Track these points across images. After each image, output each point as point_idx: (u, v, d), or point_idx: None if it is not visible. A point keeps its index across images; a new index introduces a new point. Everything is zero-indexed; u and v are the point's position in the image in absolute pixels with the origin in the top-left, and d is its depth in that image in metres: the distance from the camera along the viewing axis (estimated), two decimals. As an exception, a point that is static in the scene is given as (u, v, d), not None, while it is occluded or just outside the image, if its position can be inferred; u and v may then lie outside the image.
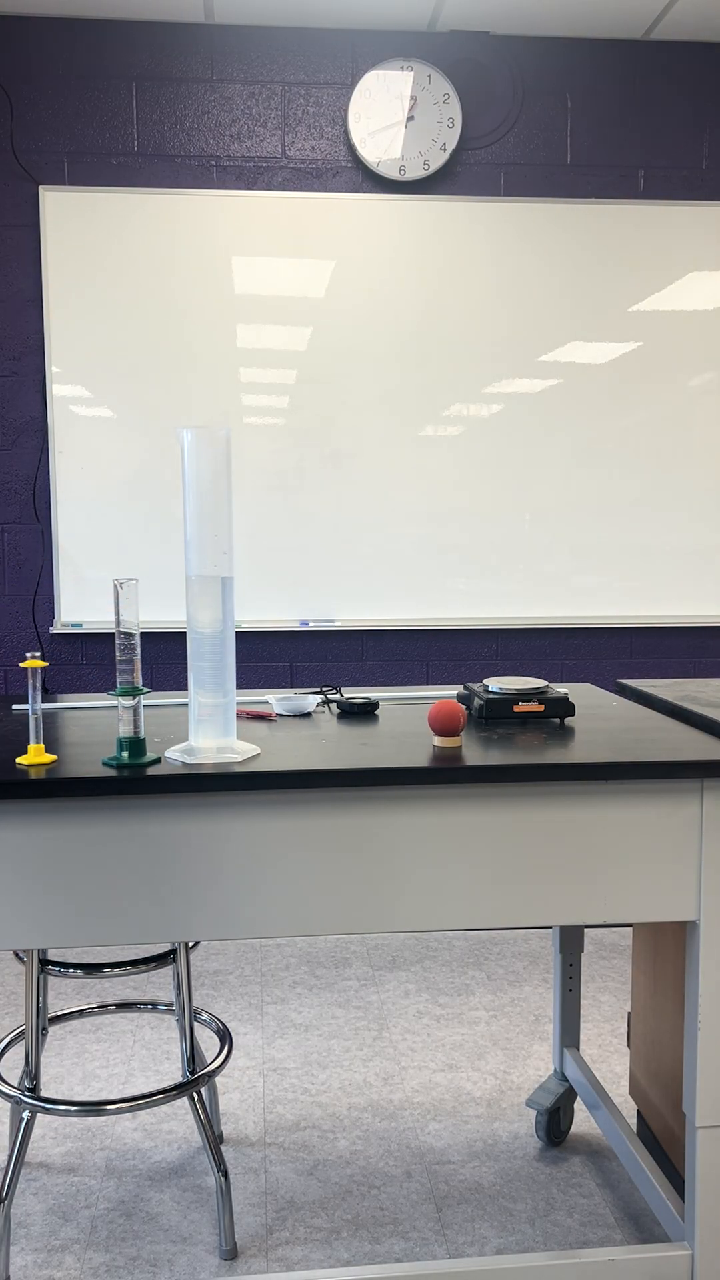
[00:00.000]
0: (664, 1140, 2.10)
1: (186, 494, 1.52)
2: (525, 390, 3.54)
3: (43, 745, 1.59)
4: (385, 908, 1.56)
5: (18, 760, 1.53)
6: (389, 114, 3.42)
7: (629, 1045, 2.30)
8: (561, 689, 2.04)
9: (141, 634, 3.44)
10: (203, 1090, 2.19)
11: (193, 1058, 2.09)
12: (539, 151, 3.53)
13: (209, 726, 1.57)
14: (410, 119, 3.43)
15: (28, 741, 1.67)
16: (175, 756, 1.56)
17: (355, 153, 3.45)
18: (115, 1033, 2.85)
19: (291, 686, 3.58)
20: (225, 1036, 2.19)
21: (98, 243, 3.37)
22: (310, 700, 1.91)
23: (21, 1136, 1.96)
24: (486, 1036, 2.81)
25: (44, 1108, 1.95)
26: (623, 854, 1.59)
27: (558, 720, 1.84)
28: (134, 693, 1.52)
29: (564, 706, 1.81)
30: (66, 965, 2.17)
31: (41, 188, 3.35)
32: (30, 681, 1.54)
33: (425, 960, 3.30)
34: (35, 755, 1.51)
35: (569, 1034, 2.34)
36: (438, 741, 1.62)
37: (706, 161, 3.58)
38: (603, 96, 3.53)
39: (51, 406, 3.41)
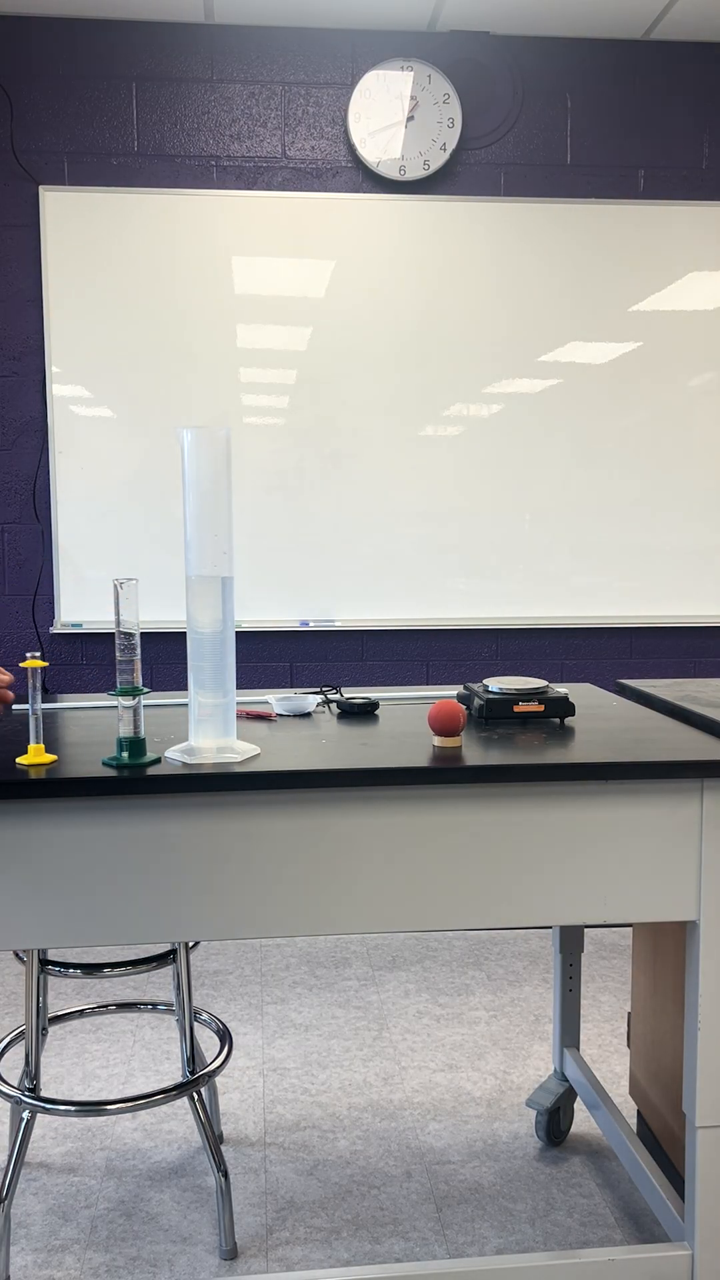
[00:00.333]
0: (664, 1140, 2.10)
1: (186, 494, 1.52)
2: (525, 390, 3.54)
3: (43, 745, 1.59)
4: (385, 908, 1.56)
5: (18, 760, 1.53)
6: (389, 114, 3.42)
7: (629, 1045, 2.30)
8: (561, 689, 2.04)
9: (141, 634, 3.44)
10: (203, 1090, 2.19)
11: (193, 1058, 2.09)
12: (539, 151, 3.53)
13: (209, 726, 1.57)
14: (410, 119, 3.43)
15: (28, 741, 1.67)
16: (175, 756, 1.56)
17: (355, 153, 3.45)
18: (115, 1033, 2.85)
19: (291, 686, 3.58)
20: (225, 1036, 2.19)
21: (98, 243, 3.37)
22: (310, 700, 1.91)
23: (21, 1136, 1.96)
24: (486, 1036, 2.81)
25: (44, 1108, 1.95)
26: (623, 854, 1.59)
27: (558, 720, 1.84)
28: (134, 693, 1.52)
29: (564, 706, 1.81)
30: (66, 965, 2.17)
31: (41, 188, 3.35)
32: (30, 681, 1.54)
33: (425, 960, 3.30)
34: (35, 755, 1.51)
35: (569, 1034, 2.34)
36: (438, 741, 1.62)
37: (706, 161, 3.58)
38: (603, 96, 3.53)
39: (51, 406, 3.41)
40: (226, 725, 1.58)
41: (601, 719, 1.86)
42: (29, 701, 1.55)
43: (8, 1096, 1.97)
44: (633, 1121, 2.40)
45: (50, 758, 1.53)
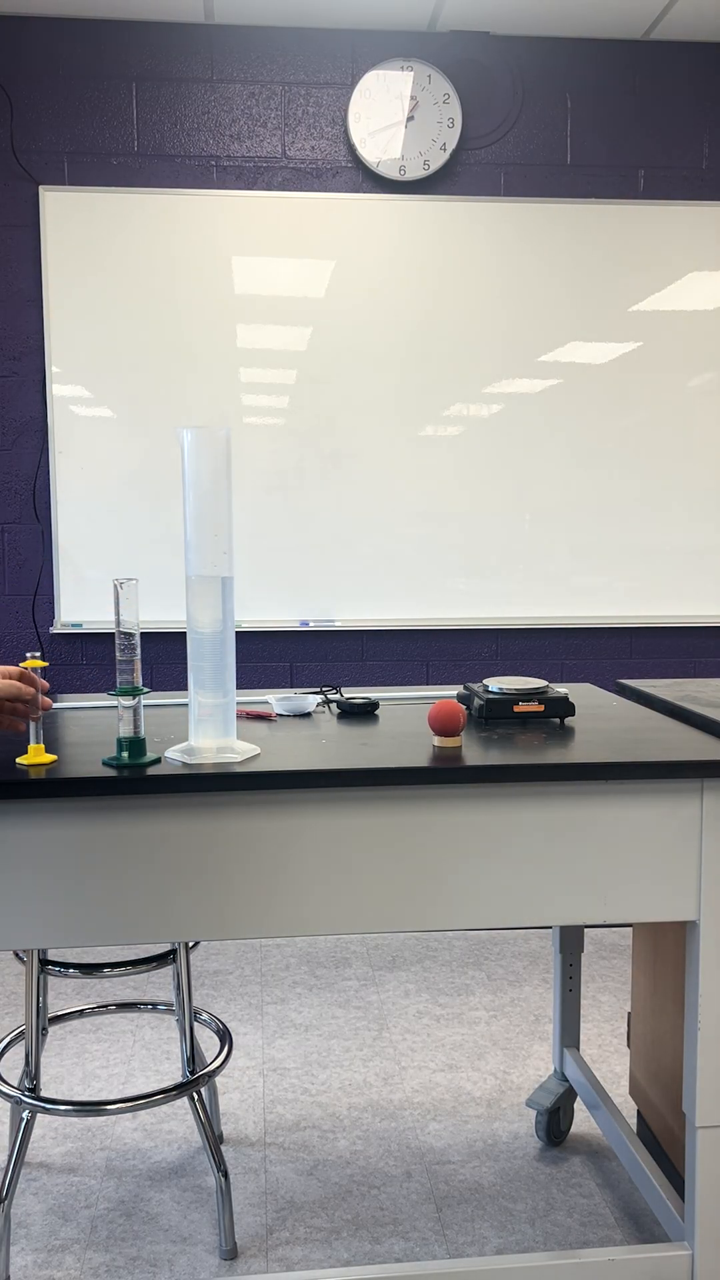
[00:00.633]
0: (664, 1140, 2.10)
1: (186, 494, 1.52)
2: (525, 390, 3.54)
3: (43, 745, 1.59)
4: (385, 908, 1.56)
5: (18, 760, 1.53)
6: (389, 114, 3.42)
7: (629, 1045, 2.30)
8: (561, 689, 2.04)
9: (141, 634, 3.44)
10: (203, 1090, 2.19)
11: (193, 1058, 2.09)
12: (539, 151, 3.53)
13: (209, 726, 1.57)
14: (410, 119, 3.43)
15: (28, 741, 1.67)
16: (175, 756, 1.56)
17: (355, 153, 3.45)
18: (115, 1033, 2.85)
19: (291, 686, 3.58)
20: (225, 1036, 2.19)
21: (98, 243, 3.37)
22: (310, 700, 1.91)
23: (21, 1136, 1.96)
24: (486, 1036, 2.81)
25: (44, 1108, 1.95)
26: (623, 854, 1.59)
27: (558, 720, 1.84)
28: (134, 693, 1.52)
29: (564, 706, 1.81)
30: (66, 965, 2.17)
31: (41, 188, 3.35)
32: (37, 674, 1.55)
33: (425, 960, 3.30)
34: (35, 755, 1.52)
35: (569, 1034, 2.34)
36: (438, 741, 1.62)
37: (706, 161, 3.58)
38: (603, 96, 3.53)
39: (51, 406, 3.41)
40: (226, 725, 1.58)
41: (601, 719, 1.86)
42: (33, 701, 1.56)
43: (8, 1096, 1.97)
44: (633, 1121, 2.40)
45: (50, 758, 1.53)
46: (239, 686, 3.55)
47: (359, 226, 3.44)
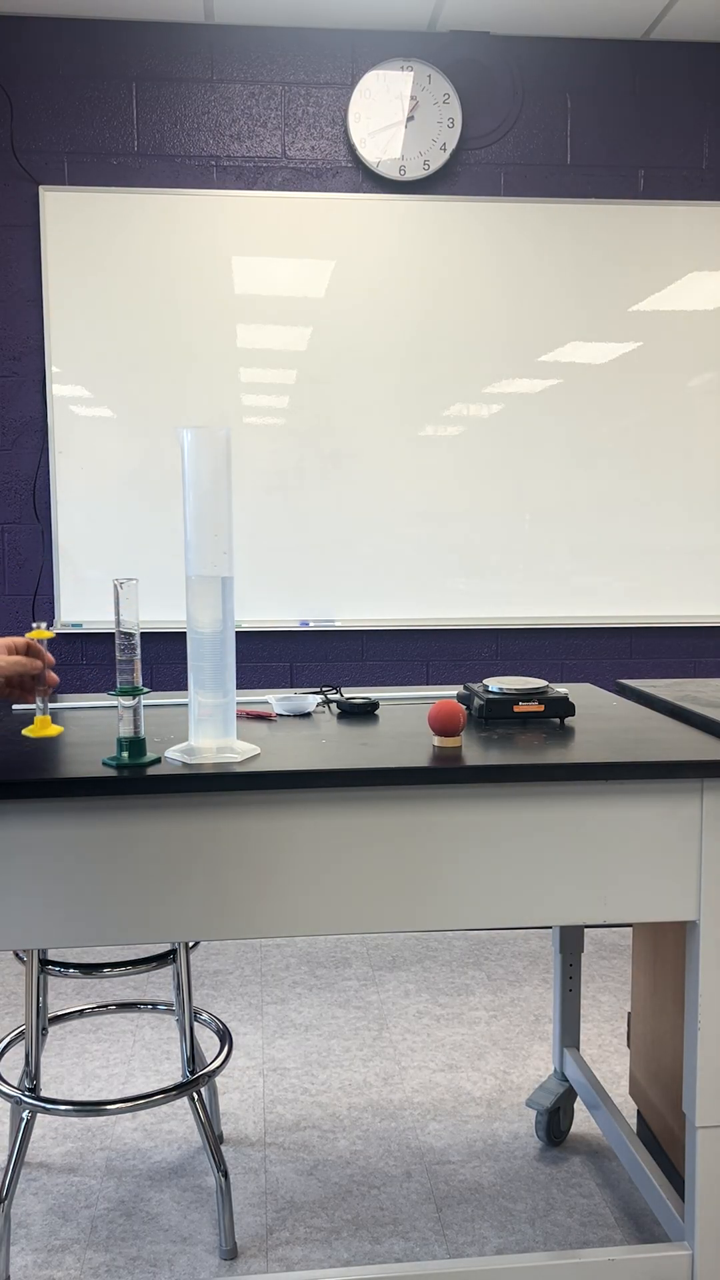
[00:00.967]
0: (664, 1140, 2.10)
1: (186, 494, 1.52)
2: (525, 390, 3.54)
3: (49, 718, 1.59)
4: (385, 908, 1.56)
5: (24, 731, 1.54)
6: (389, 114, 3.42)
7: (629, 1045, 2.30)
8: (561, 689, 2.04)
9: (141, 634, 3.43)
10: (203, 1090, 2.19)
11: (193, 1058, 2.09)
12: (539, 151, 3.53)
13: (209, 726, 1.57)
14: (410, 119, 3.43)
15: (28, 741, 1.67)
16: (175, 756, 1.56)
17: (355, 153, 3.45)
18: (115, 1033, 2.85)
19: (291, 686, 3.58)
20: (225, 1036, 2.19)
21: (98, 243, 3.37)
22: (310, 700, 1.91)
23: (21, 1136, 1.96)
24: (486, 1036, 2.81)
25: (44, 1108, 1.95)
26: (623, 854, 1.59)
27: (558, 720, 1.84)
28: (134, 693, 1.52)
29: (564, 706, 1.81)
30: (66, 965, 2.17)
31: (41, 188, 3.35)
32: (43, 645, 1.56)
33: (425, 960, 3.30)
34: (41, 728, 1.53)
35: (569, 1034, 2.34)
36: (438, 741, 1.62)
37: (706, 161, 3.58)
38: (603, 96, 3.53)
39: (51, 406, 3.41)
40: (226, 725, 1.58)
41: (601, 719, 1.86)
42: (40, 673, 1.56)
43: (8, 1096, 1.97)
44: (633, 1121, 2.40)
45: (56, 729, 1.56)
46: (239, 686, 3.55)
47: (359, 226, 3.44)
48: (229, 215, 3.41)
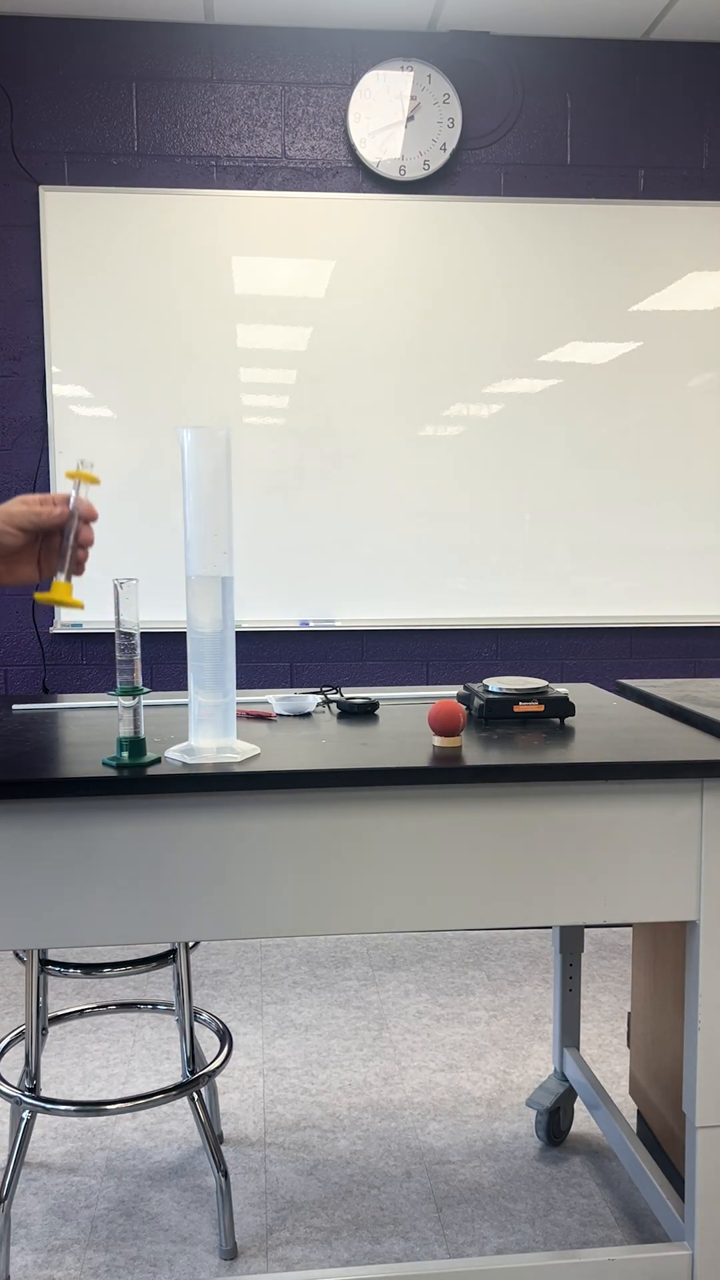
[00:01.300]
0: (664, 1140, 2.10)
1: (186, 494, 1.52)
2: (525, 390, 3.54)
3: (70, 585, 1.27)
4: (385, 908, 1.56)
5: (36, 594, 1.27)
6: (389, 114, 3.42)
7: (629, 1045, 2.30)
8: (561, 689, 2.04)
9: (141, 634, 3.44)
10: (203, 1090, 2.19)
11: (193, 1058, 2.09)
12: (539, 151, 3.53)
13: (209, 726, 1.57)
14: (410, 119, 3.43)
15: (28, 741, 1.67)
16: (175, 756, 1.56)
17: (355, 153, 3.45)
18: (115, 1033, 2.85)
19: (291, 686, 3.58)
20: (225, 1036, 2.19)
21: (98, 243, 3.37)
22: (310, 700, 1.91)
23: (21, 1136, 1.96)
24: (486, 1036, 2.81)
25: (44, 1108, 1.95)
26: (623, 854, 1.59)
27: (558, 720, 1.84)
28: (134, 693, 1.52)
29: (564, 706, 1.81)
30: (66, 965, 2.17)
31: (41, 188, 3.35)
32: (74, 494, 1.25)
33: (425, 960, 3.30)
34: (59, 592, 1.25)
35: (569, 1034, 2.34)
36: (438, 741, 1.62)
37: (706, 161, 3.58)
38: (603, 96, 3.53)
39: (51, 406, 3.41)
40: (226, 725, 1.58)
41: (601, 719, 1.86)
42: (67, 524, 1.25)
43: (8, 1096, 1.97)
44: (633, 1121, 2.40)
45: (76, 603, 1.26)
46: (239, 686, 3.55)
47: (359, 226, 3.44)
48: (229, 215, 3.41)
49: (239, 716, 1.89)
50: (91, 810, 1.49)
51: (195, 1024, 2.20)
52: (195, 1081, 2.01)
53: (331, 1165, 2.25)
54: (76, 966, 2.18)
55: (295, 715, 1.90)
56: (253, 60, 3.43)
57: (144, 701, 2.03)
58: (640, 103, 3.54)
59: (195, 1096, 2.03)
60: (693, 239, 3.55)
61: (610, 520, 3.60)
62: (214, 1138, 2.02)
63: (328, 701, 1.99)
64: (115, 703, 1.99)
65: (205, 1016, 2.28)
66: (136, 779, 1.46)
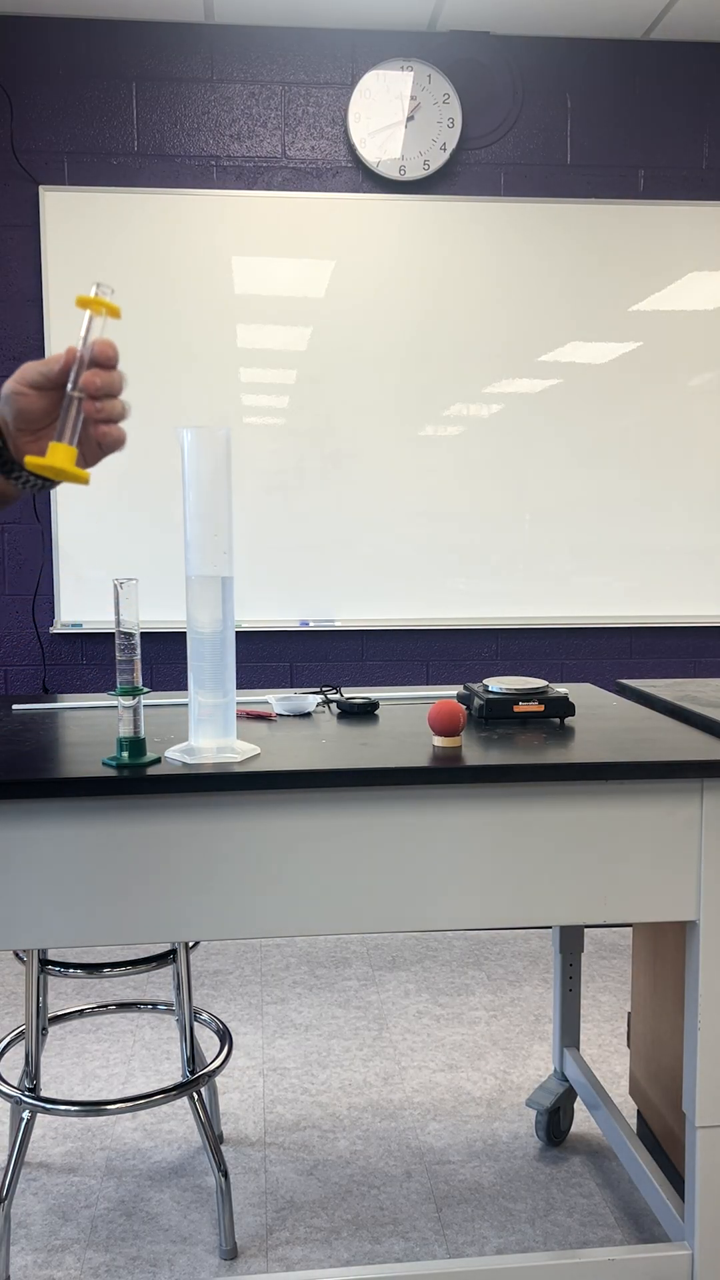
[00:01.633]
0: (664, 1140, 2.10)
1: (186, 494, 1.52)
2: (525, 390, 3.54)
3: (74, 449, 0.95)
4: (385, 908, 1.56)
5: (28, 460, 0.94)
6: (389, 114, 3.42)
7: (629, 1045, 2.30)
8: (561, 689, 2.04)
9: (141, 634, 3.43)
10: (203, 1090, 2.19)
11: (193, 1058, 2.09)
12: (539, 151, 3.53)
13: (209, 726, 1.57)
14: (410, 119, 3.43)
15: (28, 741, 1.67)
16: (175, 756, 1.56)
17: (355, 153, 3.45)
18: (115, 1033, 2.85)
19: (291, 686, 3.58)
20: (225, 1036, 2.19)
21: (98, 243, 3.37)
22: (310, 700, 1.91)
23: (21, 1136, 1.96)
24: (486, 1036, 2.81)
25: (44, 1108, 1.95)
26: (623, 854, 1.59)
27: (558, 720, 1.84)
28: (134, 693, 1.52)
29: (564, 706, 1.81)
30: (66, 965, 2.17)
31: (41, 188, 3.35)
32: (86, 324, 0.96)
33: (425, 960, 3.30)
34: (56, 456, 0.93)
35: (569, 1034, 2.33)
36: (438, 741, 1.62)
37: (706, 161, 3.58)
38: (603, 96, 3.53)
39: (51, 406, 3.41)
40: (226, 725, 1.58)
41: (601, 719, 1.86)
42: (73, 367, 0.95)
43: (8, 1096, 1.97)
44: (633, 1121, 2.40)
45: (82, 474, 0.95)
46: (239, 686, 3.55)
47: (359, 226, 3.44)
48: (229, 215, 3.41)
49: (239, 716, 1.89)
50: (91, 810, 1.49)
51: (195, 1024, 2.20)
52: (195, 1081, 2.01)
53: (331, 1165, 2.25)
54: (76, 966, 2.18)
55: (295, 715, 1.90)
56: (253, 60, 3.43)
57: (144, 701, 2.03)
58: (640, 103, 3.54)
59: (195, 1096, 2.03)
60: (693, 239, 3.55)
61: (610, 520, 3.60)
62: (214, 1138, 2.02)
63: (328, 701, 1.99)
64: (115, 703, 1.99)
65: (205, 1016, 2.28)
66: (136, 779, 1.46)
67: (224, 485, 1.52)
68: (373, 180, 3.48)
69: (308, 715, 1.90)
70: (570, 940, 2.30)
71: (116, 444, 0.97)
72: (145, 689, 1.90)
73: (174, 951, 2.12)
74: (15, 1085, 2.11)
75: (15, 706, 1.98)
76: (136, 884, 1.51)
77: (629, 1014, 2.30)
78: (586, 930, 3.56)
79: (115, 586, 1.51)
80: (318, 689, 2.12)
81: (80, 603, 3.48)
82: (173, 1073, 2.64)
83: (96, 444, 0.97)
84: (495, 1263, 1.67)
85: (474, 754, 1.59)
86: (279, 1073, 2.63)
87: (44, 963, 2.09)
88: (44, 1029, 2.18)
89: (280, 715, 1.89)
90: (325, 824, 1.53)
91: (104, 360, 0.95)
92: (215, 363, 3.44)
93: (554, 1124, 2.30)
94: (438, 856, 1.56)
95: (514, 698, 1.81)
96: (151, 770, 1.49)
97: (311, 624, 3.55)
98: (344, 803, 1.53)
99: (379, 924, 1.56)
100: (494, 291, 3.51)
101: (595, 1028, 2.87)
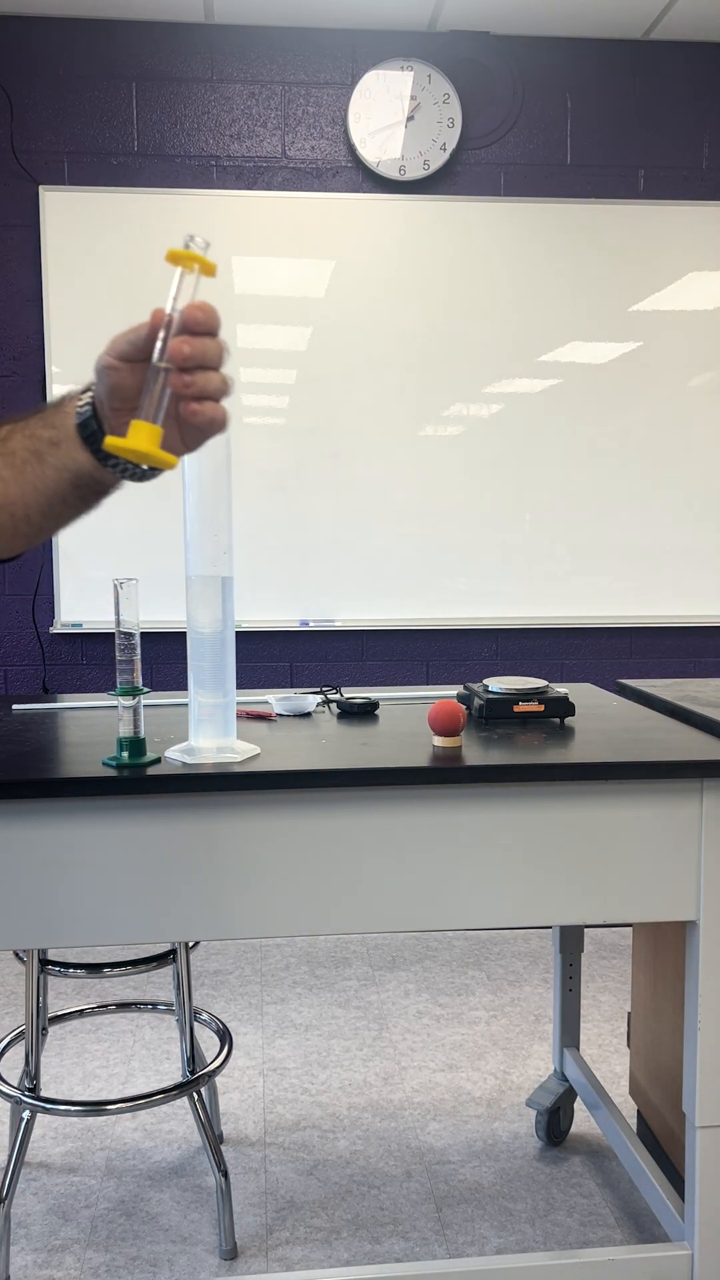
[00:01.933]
0: (664, 1140, 2.10)
1: (186, 494, 1.52)
2: (525, 390, 3.54)
3: (158, 429, 0.83)
4: (385, 908, 1.56)
5: (108, 440, 0.83)
6: (389, 114, 3.42)
7: (629, 1045, 2.30)
8: (561, 689, 2.04)
9: (141, 634, 3.43)
10: (203, 1090, 2.19)
11: (193, 1058, 2.09)
12: (539, 151, 3.52)
13: (209, 726, 1.57)
14: (410, 119, 3.43)
15: (28, 741, 1.67)
16: (175, 756, 1.56)
17: (355, 153, 3.45)
18: (115, 1033, 2.85)
19: (291, 686, 3.58)
20: (225, 1036, 2.19)
21: (98, 243, 3.37)
22: (310, 700, 1.91)
23: (21, 1136, 1.96)
24: (486, 1036, 2.81)
25: (44, 1108, 1.95)
26: (623, 854, 1.59)
27: (558, 720, 1.84)
28: (134, 693, 1.52)
29: (564, 706, 1.81)
30: (66, 965, 2.17)
31: (41, 188, 3.35)
32: (176, 286, 0.83)
33: (425, 960, 3.30)
34: (138, 439, 0.81)
35: (569, 1034, 2.33)
36: (438, 741, 1.62)
37: (706, 161, 3.58)
38: (603, 96, 3.53)
39: (51, 406, 3.41)
40: (226, 725, 1.58)
41: (601, 719, 1.86)
42: (160, 335, 0.81)
43: (8, 1096, 1.97)
44: (633, 1121, 2.40)
45: (165, 459, 0.83)
46: (239, 686, 3.55)
47: (359, 226, 3.44)
48: (229, 215, 3.41)
49: (239, 716, 1.89)
50: (91, 810, 1.49)
51: (195, 1024, 2.20)
52: (195, 1081, 2.01)
53: (331, 1165, 2.25)
54: (76, 966, 2.18)
55: (295, 715, 1.90)
56: (253, 60, 3.43)
57: (144, 701, 2.03)
58: (640, 103, 3.54)
59: (195, 1096, 2.03)
60: (693, 239, 3.54)
61: (610, 520, 3.60)
62: (214, 1138, 2.02)
63: (328, 701, 1.99)
64: (115, 703, 1.99)
65: (205, 1016, 2.28)
66: (136, 779, 1.46)
67: (224, 485, 1.52)
68: (373, 180, 3.48)
69: (308, 715, 1.90)
70: (570, 940, 2.30)
71: (213, 425, 0.83)
72: (145, 689, 1.90)
73: (174, 951, 2.12)
74: (15, 1085, 2.11)
75: (15, 706, 1.98)
76: (136, 884, 1.51)
77: (629, 1014, 2.30)
78: (586, 930, 3.56)
79: (115, 586, 1.51)
80: (318, 689, 2.12)
81: (80, 603, 3.48)
82: (173, 1073, 2.64)
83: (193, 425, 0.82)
84: (495, 1263, 1.67)
85: (474, 754, 1.59)
86: (279, 1073, 2.63)
87: (44, 963, 2.09)
88: (44, 1029, 2.18)
89: (280, 715, 1.89)
90: (325, 824, 1.53)
91: (196, 326, 0.81)
92: (215, 363, 3.44)
93: (554, 1124, 2.30)
94: (438, 856, 1.56)
95: (514, 698, 1.81)
96: (151, 770, 1.49)
97: (311, 624, 3.55)
98: (344, 803, 1.53)
99: (379, 924, 1.56)
100: (494, 291, 3.51)
101: (595, 1028, 2.87)
